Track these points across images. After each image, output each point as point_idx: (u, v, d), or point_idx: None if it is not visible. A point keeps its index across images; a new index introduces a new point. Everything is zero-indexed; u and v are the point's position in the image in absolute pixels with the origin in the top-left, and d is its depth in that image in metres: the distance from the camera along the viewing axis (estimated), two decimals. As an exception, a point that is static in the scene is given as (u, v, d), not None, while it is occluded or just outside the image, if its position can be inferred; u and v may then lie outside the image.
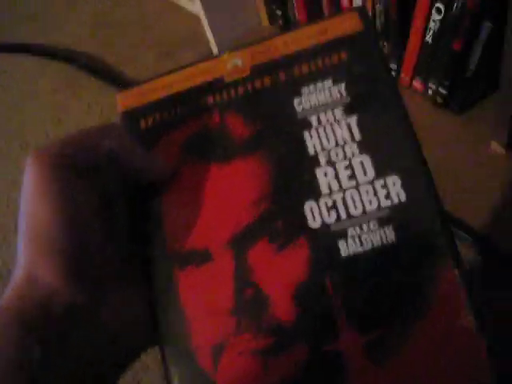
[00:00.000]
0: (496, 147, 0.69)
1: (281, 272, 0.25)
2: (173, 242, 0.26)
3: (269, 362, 0.24)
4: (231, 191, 0.26)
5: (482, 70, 0.70)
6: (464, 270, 0.23)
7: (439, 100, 0.75)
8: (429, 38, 0.71)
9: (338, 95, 0.26)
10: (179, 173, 0.27)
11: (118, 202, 0.28)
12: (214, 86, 0.28)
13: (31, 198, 0.24)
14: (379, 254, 0.24)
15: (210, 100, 0.28)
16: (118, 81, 0.79)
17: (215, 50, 0.91)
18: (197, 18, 0.85)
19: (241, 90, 0.28)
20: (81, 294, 0.24)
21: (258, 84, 0.28)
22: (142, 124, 0.29)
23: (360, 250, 0.24)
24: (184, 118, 0.28)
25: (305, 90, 0.27)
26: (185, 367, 0.25)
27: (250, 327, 0.24)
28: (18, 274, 0.24)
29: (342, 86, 0.26)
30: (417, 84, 0.78)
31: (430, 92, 0.75)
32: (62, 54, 0.74)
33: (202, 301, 0.25)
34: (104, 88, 0.73)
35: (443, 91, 0.73)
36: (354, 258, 0.24)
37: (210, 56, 0.29)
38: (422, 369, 0.23)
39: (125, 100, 0.30)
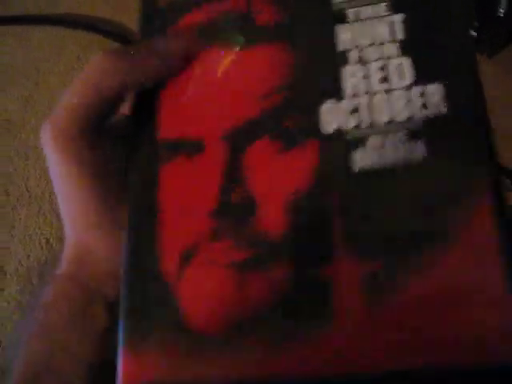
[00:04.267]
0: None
1: (279, 177, 0.21)
2: (164, 127, 0.23)
3: (243, 278, 0.20)
4: (242, 80, 0.23)
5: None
6: (505, 217, 0.19)
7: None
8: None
9: None
10: (190, 57, 0.24)
11: None
12: None
13: (58, 179, 0.24)
14: (402, 171, 0.20)
15: None
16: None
17: None
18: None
19: None
20: None
21: None
22: (161, 2, 0.26)
23: (380, 162, 0.20)
24: (206, 1, 0.25)
25: None
26: (143, 270, 0.22)
27: (229, 234, 0.21)
28: (69, 248, 0.25)
29: None
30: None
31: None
32: (80, 22, 0.73)
33: (182, 198, 0.22)
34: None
35: (473, 34, 0.70)
36: (369, 172, 0.20)
37: None
38: (424, 314, 0.18)
39: None
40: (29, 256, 0.66)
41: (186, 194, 0.22)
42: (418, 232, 0.19)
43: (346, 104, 0.21)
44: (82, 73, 0.24)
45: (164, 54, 0.24)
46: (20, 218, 0.68)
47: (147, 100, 0.24)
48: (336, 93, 0.21)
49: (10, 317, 0.64)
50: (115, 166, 0.24)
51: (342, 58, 0.22)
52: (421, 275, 0.19)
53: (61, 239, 0.65)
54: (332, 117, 0.21)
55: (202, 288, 0.21)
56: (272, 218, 0.21)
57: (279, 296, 0.20)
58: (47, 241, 0.65)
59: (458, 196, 0.19)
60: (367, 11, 0.22)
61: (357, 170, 0.20)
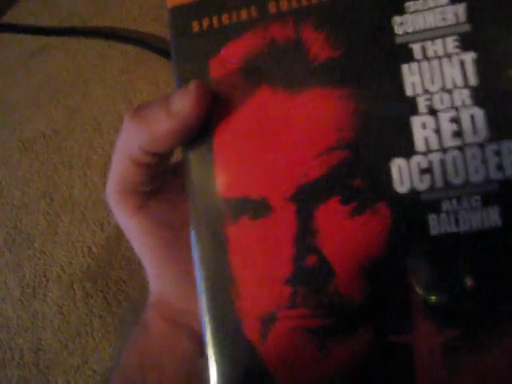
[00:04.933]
0: None
1: (352, 242, 0.20)
2: (224, 184, 0.22)
3: (325, 345, 0.20)
4: (301, 130, 0.21)
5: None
6: None
7: None
8: None
9: (455, 19, 0.20)
10: (235, 99, 0.22)
11: None
12: None
13: (131, 240, 0.26)
14: (477, 239, 0.19)
15: (284, 5, 0.22)
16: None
17: None
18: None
19: None
20: None
21: None
22: (195, 27, 0.23)
23: (454, 229, 0.19)
24: (248, 26, 0.22)
25: (410, 5, 0.20)
26: (228, 333, 0.21)
27: (308, 301, 0.21)
28: (153, 292, 0.27)
29: (462, 6, 0.20)
30: None
31: None
32: (128, 37, 0.75)
33: (255, 262, 0.21)
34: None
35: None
36: (444, 239, 0.19)
37: None
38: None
39: None
40: (71, 263, 0.68)
41: (258, 257, 0.21)
42: (495, 297, 0.19)
43: (417, 161, 0.20)
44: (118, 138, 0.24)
45: (179, 114, 0.21)
46: (63, 225, 0.70)
47: (202, 151, 0.22)
48: (406, 147, 0.20)
49: (51, 322, 0.65)
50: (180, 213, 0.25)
51: (411, 106, 0.20)
52: (501, 340, 0.19)
53: (103, 247, 0.67)
54: (404, 176, 0.20)
55: (285, 351, 0.21)
56: (348, 283, 0.20)
57: (361, 363, 0.20)
58: (89, 248, 0.67)
59: None
60: (434, 47, 0.20)
61: (431, 234, 0.19)
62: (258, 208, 0.21)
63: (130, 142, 0.23)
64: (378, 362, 0.20)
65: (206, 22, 0.23)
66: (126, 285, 0.60)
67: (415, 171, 0.20)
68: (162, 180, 0.25)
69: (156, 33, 0.73)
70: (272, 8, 0.22)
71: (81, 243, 0.68)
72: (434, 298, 0.19)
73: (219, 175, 0.22)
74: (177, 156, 0.25)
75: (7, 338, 0.64)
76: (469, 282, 0.19)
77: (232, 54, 0.22)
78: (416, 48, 0.20)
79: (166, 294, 0.26)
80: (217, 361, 0.22)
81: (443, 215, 0.19)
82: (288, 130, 0.21)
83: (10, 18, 0.80)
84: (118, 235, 0.64)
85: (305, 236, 0.21)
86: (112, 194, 0.24)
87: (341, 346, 0.20)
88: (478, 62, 0.19)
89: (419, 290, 0.19)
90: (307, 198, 0.21)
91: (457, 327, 0.19)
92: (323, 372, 0.20)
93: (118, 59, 0.74)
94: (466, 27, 0.20)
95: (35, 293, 0.67)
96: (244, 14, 0.22)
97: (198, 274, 0.22)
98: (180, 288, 0.25)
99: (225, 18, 0.22)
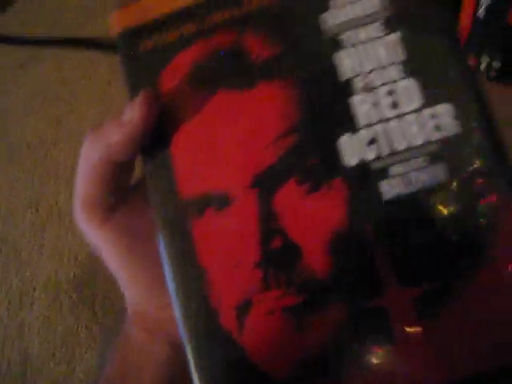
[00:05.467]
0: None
1: (313, 218, 0.21)
2: (185, 185, 0.23)
3: (302, 322, 0.21)
4: (251, 123, 0.22)
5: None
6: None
7: (493, 74, 0.74)
8: (480, 14, 0.70)
9: (376, 7, 0.22)
10: (188, 104, 0.23)
11: None
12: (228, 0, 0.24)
13: (101, 254, 0.26)
14: (428, 195, 0.20)
15: (225, 15, 0.24)
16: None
17: None
18: None
19: (258, 3, 0.23)
20: None
21: None
22: (142, 47, 0.24)
23: (406, 191, 0.21)
24: (193, 38, 0.24)
25: (334, 1, 0.22)
26: (205, 328, 0.22)
27: (279, 282, 0.21)
28: (130, 306, 0.27)
29: None
30: (469, 60, 0.77)
31: (482, 66, 0.74)
32: (112, 46, 0.76)
33: (222, 253, 0.22)
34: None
35: (497, 65, 0.72)
36: (398, 201, 0.21)
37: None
38: (476, 324, 0.20)
39: (122, 18, 0.25)
40: (57, 272, 0.68)
41: (226, 246, 0.22)
42: (453, 249, 0.20)
43: (362, 135, 0.21)
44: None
45: (129, 123, 0.23)
46: (50, 235, 0.70)
47: (160, 158, 0.24)
48: (350, 124, 0.21)
49: (38, 332, 0.65)
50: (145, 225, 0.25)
51: (348, 88, 0.22)
52: (464, 289, 0.20)
53: (89, 256, 0.67)
54: (352, 150, 0.21)
55: (264, 336, 0.21)
56: (315, 258, 0.21)
57: (339, 332, 0.21)
58: (76, 257, 0.67)
59: (486, 213, 0.20)
60: (362, 33, 0.22)
61: (386, 200, 0.21)
62: (220, 201, 0.22)
63: (90, 156, 0.24)
64: (355, 328, 0.21)
65: (151, 42, 0.24)
66: (112, 294, 0.61)
67: (362, 144, 0.21)
68: (127, 192, 0.26)
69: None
70: (213, 20, 0.24)
71: (67, 252, 0.68)
72: (397, 259, 0.20)
73: (180, 178, 0.23)
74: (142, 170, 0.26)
75: (-6, 349, 0.64)
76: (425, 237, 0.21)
77: (181, 64, 0.24)
78: (345, 36, 0.22)
79: (139, 305, 0.26)
80: (196, 357, 0.22)
81: (393, 180, 0.21)
82: (241, 125, 0.23)
83: (-2, 28, 0.80)
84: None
85: (268, 219, 0.22)
86: (78, 211, 0.25)
87: (317, 321, 0.21)
88: (403, 40, 0.21)
89: (383, 254, 0.20)
90: (266, 184, 0.22)
91: (424, 283, 0.20)
92: (304, 348, 0.21)
93: (103, 70, 0.74)
94: (388, 12, 0.22)
95: (22, 303, 0.67)
96: (187, 29, 0.24)
97: (169, 274, 0.23)
98: (152, 297, 0.25)
99: (170, 35, 0.24)
